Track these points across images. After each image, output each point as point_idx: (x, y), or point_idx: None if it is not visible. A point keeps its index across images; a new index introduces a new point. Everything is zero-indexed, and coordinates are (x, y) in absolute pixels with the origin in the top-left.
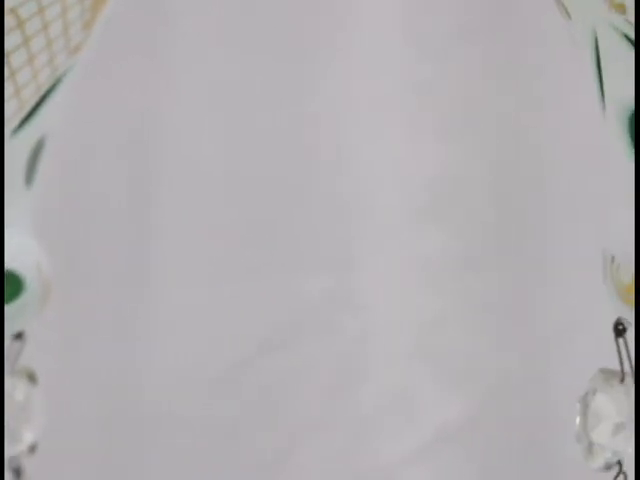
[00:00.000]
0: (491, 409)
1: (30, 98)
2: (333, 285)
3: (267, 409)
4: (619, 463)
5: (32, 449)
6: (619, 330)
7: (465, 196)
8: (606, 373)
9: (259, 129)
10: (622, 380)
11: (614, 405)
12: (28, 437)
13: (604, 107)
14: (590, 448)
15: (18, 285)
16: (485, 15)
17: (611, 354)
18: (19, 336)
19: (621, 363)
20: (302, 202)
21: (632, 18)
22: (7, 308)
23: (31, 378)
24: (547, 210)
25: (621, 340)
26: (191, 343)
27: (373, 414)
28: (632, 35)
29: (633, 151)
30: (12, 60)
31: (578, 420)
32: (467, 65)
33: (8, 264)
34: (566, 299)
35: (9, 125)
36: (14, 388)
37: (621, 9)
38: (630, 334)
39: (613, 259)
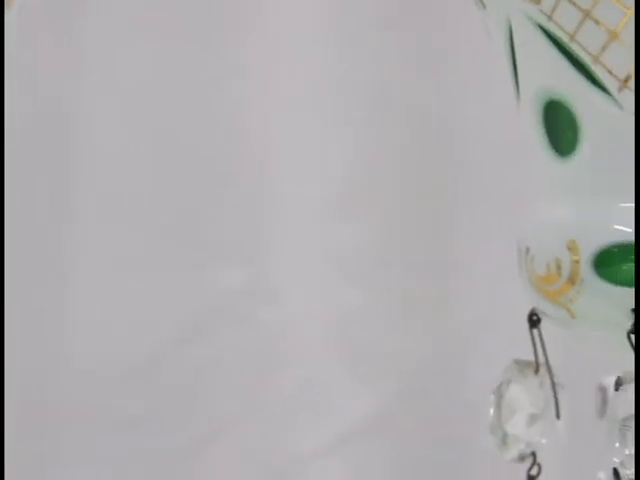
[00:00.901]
0: (408, 402)
1: None
2: (251, 277)
3: (185, 401)
4: (533, 454)
5: None
6: (533, 321)
7: (382, 190)
8: (520, 364)
9: (178, 122)
10: (536, 371)
11: (528, 396)
12: None
13: (519, 97)
14: (504, 439)
15: None
16: (402, 6)
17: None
18: None
19: (535, 354)
20: (221, 195)
21: (547, 8)
22: None
23: None
24: (463, 203)
25: (535, 331)
26: (109, 334)
27: (289, 406)
28: (546, 25)
29: (548, 141)
30: None
31: (492, 411)
32: (383, 58)
33: None
34: (483, 291)
35: None
36: None
37: None
38: (544, 325)
39: (528, 250)
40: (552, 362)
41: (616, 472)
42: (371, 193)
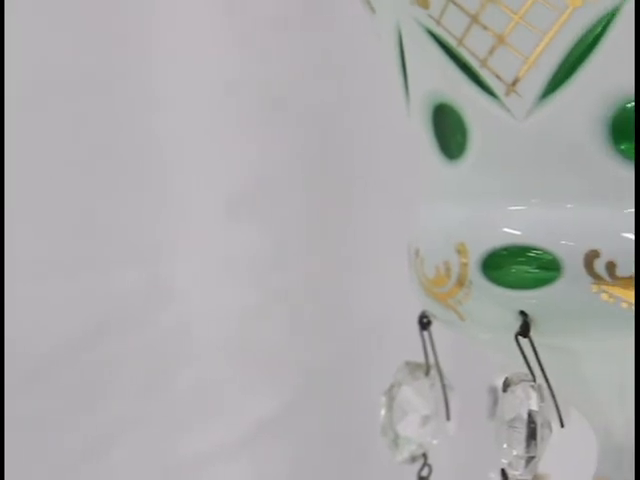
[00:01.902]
0: (303, 403)
1: None
2: (149, 279)
3: (86, 401)
4: (424, 455)
5: None
6: (424, 323)
7: (279, 192)
8: (411, 366)
9: (80, 122)
10: (427, 373)
11: (419, 398)
12: None
13: (408, 100)
14: (396, 441)
15: None
16: (298, 7)
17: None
18: None
19: (426, 356)
20: (121, 197)
21: (435, 13)
22: None
23: None
24: (358, 205)
25: (426, 333)
26: (11, 334)
27: (188, 407)
28: (435, 29)
29: (438, 144)
30: None
31: (383, 413)
32: (280, 60)
33: None
34: (377, 293)
35: None
36: None
37: (424, 4)
38: (435, 327)
39: (417, 253)
40: (444, 364)
41: (504, 473)
42: (268, 195)
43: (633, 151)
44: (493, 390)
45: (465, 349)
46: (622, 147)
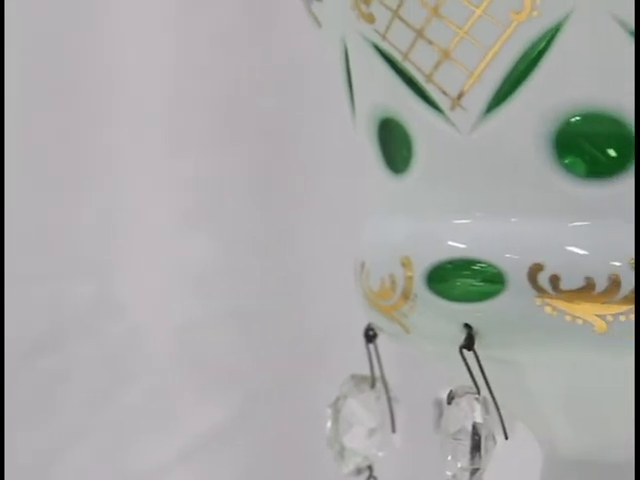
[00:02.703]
0: (253, 414)
1: None
2: (97, 289)
3: (35, 413)
4: (370, 468)
5: None
6: (369, 336)
7: (227, 206)
8: (357, 379)
9: (28, 131)
10: (372, 385)
11: (365, 410)
12: None
13: (354, 114)
14: (341, 453)
15: None
16: (244, 21)
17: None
18: None
19: (371, 368)
20: (70, 209)
21: (381, 28)
22: None
23: None
24: (306, 218)
25: (371, 346)
26: None
27: (137, 419)
28: (380, 44)
29: (383, 158)
30: None
31: (329, 425)
32: (228, 74)
33: None
34: (325, 305)
35: None
36: None
37: (370, 18)
38: (381, 340)
39: (363, 266)
40: (390, 376)
41: None
42: (217, 209)
43: (577, 165)
44: (439, 403)
45: (411, 362)
46: (566, 161)
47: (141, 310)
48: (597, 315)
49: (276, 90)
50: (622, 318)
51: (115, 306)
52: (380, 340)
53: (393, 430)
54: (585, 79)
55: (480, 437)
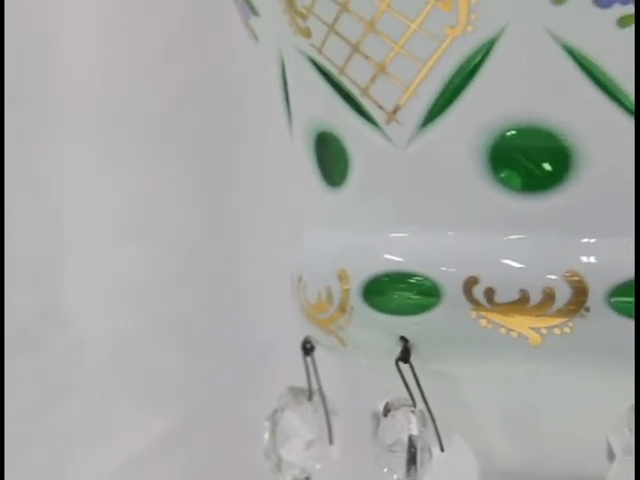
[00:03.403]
0: (193, 427)
1: None
2: (41, 303)
3: None
4: (307, 479)
5: None
6: (307, 349)
7: (166, 215)
8: (294, 391)
9: None
10: (310, 398)
11: (302, 422)
12: None
13: (291, 128)
14: (279, 465)
15: None
16: (177, 38)
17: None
18: None
19: (309, 381)
20: (12, 220)
21: (317, 42)
22: None
23: None
24: (247, 231)
25: (309, 358)
26: None
27: (77, 432)
28: (317, 58)
29: (320, 171)
30: None
31: (267, 437)
32: (163, 89)
33: None
34: (266, 317)
35: None
36: None
37: (306, 33)
38: (318, 352)
39: (300, 278)
40: (329, 389)
41: None
42: (156, 222)
43: (512, 179)
44: (376, 415)
45: (350, 374)
46: (502, 175)
47: (81, 323)
48: (531, 328)
49: (214, 104)
50: (557, 331)
51: (56, 319)
52: (320, 352)
53: (330, 442)
54: (520, 93)
55: (416, 449)
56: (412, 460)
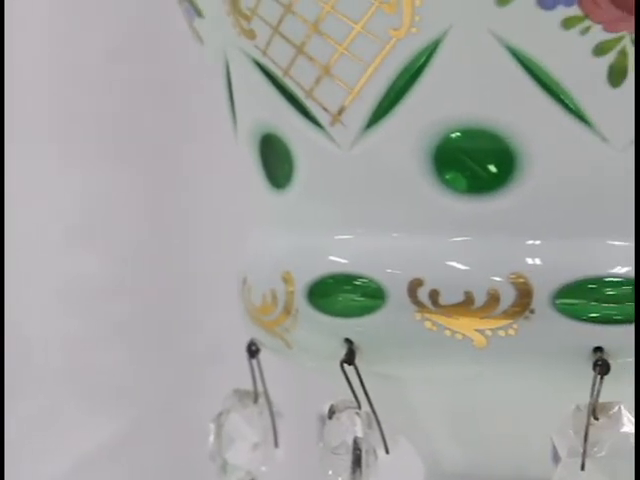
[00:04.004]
0: (140, 431)
1: None
2: None
3: None
4: None
5: None
6: (252, 351)
7: (115, 218)
8: (240, 394)
9: None
10: (255, 400)
11: (247, 425)
12: None
13: (236, 130)
14: (224, 468)
15: None
16: (129, 39)
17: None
18: None
19: (254, 383)
20: None
21: (261, 44)
22: None
23: None
24: (193, 234)
25: (254, 361)
26: None
27: (24, 437)
28: (261, 60)
29: (265, 173)
30: None
31: (212, 440)
32: (112, 90)
33: None
34: (212, 320)
35: None
36: None
37: (250, 34)
38: (263, 355)
39: (245, 281)
40: (276, 391)
41: None
42: (106, 226)
43: (457, 181)
44: (321, 417)
45: (295, 376)
46: (446, 177)
47: (30, 326)
48: (476, 330)
49: (163, 106)
50: (501, 333)
51: (5, 321)
52: (266, 355)
53: (276, 445)
54: (464, 95)
55: (361, 452)
56: (357, 462)
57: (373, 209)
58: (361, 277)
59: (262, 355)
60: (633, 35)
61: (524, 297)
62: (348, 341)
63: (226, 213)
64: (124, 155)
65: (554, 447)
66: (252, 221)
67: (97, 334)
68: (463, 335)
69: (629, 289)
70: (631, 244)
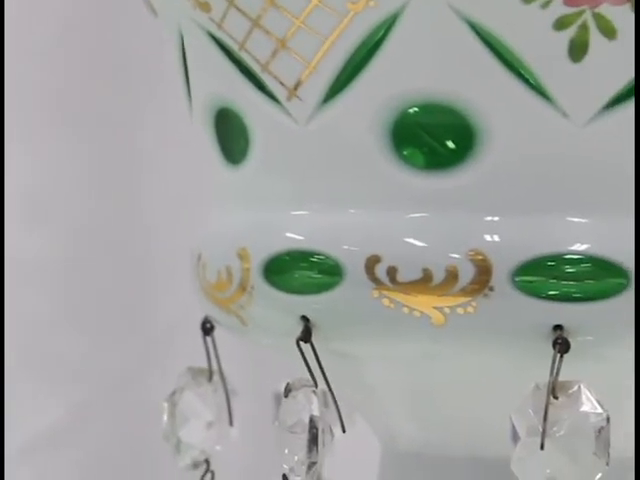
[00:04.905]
0: (93, 411)
1: None
2: None
3: None
4: (207, 461)
5: None
6: (206, 328)
7: (66, 199)
8: (194, 371)
9: None
10: (210, 378)
11: (202, 403)
12: None
13: (191, 104)
14: (178, 446)
15: None
16: (85, 10)
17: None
18: None
19: (209, 361)
20: None
21: (217, 17)
22: None
23: None
24: (148, 211)
25: (209, 339)
26: None
27: None
28: (216, 33)
29: (220, 149)
30: None
31: (166, 419)
32: (62, 64)
33: None
34: (167, 298)
35: None
36: None
37: (205, 7)
38: (218, 333)
39: (200, 257)
40: (230, 369)
41: (285, 478)
42: (60, 202)
43: (415, 156)
44: (277, 395)
45: (251, 354)
46: (404, 152)
47: None
48: (434, 307)
49: (115, 79)
50: (460, 311)
51: None
52: (221, 332)
53: (230, 423)
54: (423, 70)
55: (317, 430)
56: (313, 441)
57: (330, 185)
58: (318, 254)
59: (217, 333)
60: (594, 9)
61: (483, 274)
62: (304, 318)
63: (181, 190)
64: (77, 131)
65: (513, 426)
66: (208, 198)
67: (51, 314)
68: (421, 313)
69: (588, 266)
70: (591, 221)
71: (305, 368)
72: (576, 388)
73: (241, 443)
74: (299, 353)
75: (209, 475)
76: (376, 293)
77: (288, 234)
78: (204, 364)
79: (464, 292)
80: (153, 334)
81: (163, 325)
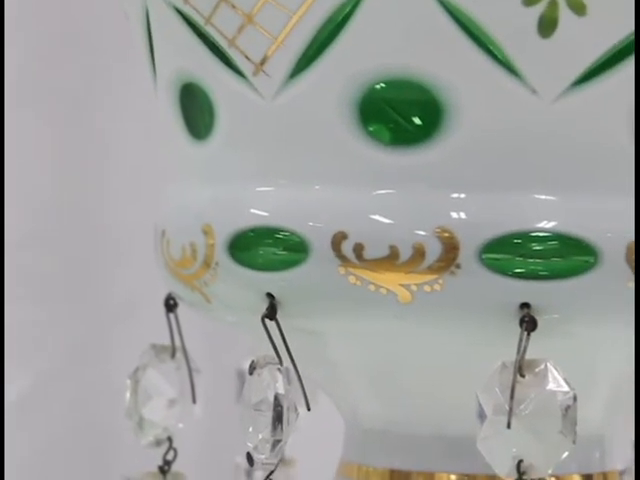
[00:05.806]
0: (49, 387)
1: None
2: None
3: None
4: (169, 439)
5: None
6: (170, 305)
7: (25, 169)
8: (157, 349)
9: None
10: (173, 355)
11: (165, 381)
12: None
13: (156, 79)
14: (140, 424)
15: None
16: None
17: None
18: None
19: (172, 338)
20: None
21: None
22: None
23: None
24: (108, 185)
25: (172, 315)
26: None
27: None
28: (182, 8)
29: (185, 124)
30: None
31: (128, 396)
32: (24, 40)
33: None
34: (128, 275)
35: None
36: None
37: None
38: (181, 310)
39: (164, 234)
40: (193, 346)
41: (250, 457)
42: (18, 175)
43: (381, 132)
44: (241, 373)
45: (214, 331)
46: (371, 129)
47: None
48: (401, 285)
49: (77, 54)
50: (427, 288)
51: None
52: (184, 309)
53: (194, 401)
54: (390, 45)
55: (282, 408)
56: (278, 419)
57: (296, 161)
58: (283, 230)
59: (180, 309)
60: None
61: (450, 252)
62: (270, 295)
63: (143, 165)
64: (37, 104)
65: (479, 404)
66: (170, 173)
67: (8, 286)
68: (387, 290)
69: (555, 244)
70: (558, 198)
71: (269, 345)
72: (543, 366)
73: (203, 421)
74: (264, 330)
75: (172, 453)
76: (342, 270)
77: (253, 210)
78: (165, 339)
79: (431, 269)
80: (114, 309)
81: (124, 300)
